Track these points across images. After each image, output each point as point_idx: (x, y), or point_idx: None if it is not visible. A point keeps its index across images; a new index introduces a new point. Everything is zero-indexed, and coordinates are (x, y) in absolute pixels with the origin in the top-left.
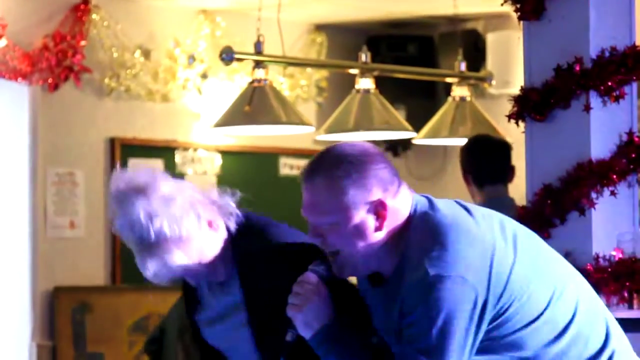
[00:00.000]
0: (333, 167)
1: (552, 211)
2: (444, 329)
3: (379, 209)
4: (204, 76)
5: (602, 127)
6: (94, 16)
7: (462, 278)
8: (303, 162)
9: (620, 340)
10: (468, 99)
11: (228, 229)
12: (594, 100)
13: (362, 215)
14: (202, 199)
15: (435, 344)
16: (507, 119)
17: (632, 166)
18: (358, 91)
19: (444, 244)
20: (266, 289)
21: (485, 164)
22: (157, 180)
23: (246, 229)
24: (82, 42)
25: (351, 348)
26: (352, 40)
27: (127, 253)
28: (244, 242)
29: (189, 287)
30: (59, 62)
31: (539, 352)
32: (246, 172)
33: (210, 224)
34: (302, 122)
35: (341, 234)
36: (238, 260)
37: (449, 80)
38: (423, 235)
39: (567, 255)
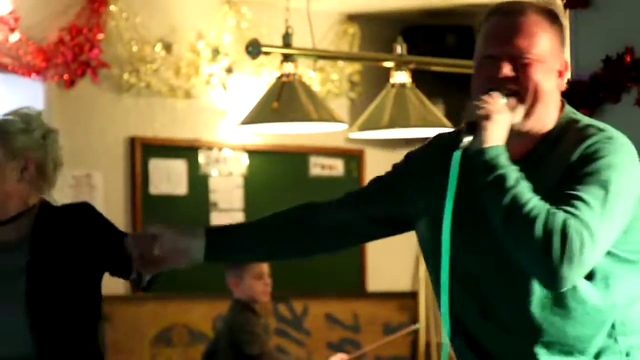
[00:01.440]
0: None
1: None
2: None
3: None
4: (229, 71)
5: None
6: (111, 8)
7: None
8: (335, 162)
9: None
10: None
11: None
12: None
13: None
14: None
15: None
16: None
17: None
18: (393, 85)
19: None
20: (56, 252)
21: None
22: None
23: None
24: (100, 36)
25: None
26: (387, 31)
27: None
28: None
29: None
30: (75, 57)
31: None
32: (274, 172)
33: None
34: (333, 119)
35: (542, 69)
36: (37, 215)
37: None
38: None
39: None
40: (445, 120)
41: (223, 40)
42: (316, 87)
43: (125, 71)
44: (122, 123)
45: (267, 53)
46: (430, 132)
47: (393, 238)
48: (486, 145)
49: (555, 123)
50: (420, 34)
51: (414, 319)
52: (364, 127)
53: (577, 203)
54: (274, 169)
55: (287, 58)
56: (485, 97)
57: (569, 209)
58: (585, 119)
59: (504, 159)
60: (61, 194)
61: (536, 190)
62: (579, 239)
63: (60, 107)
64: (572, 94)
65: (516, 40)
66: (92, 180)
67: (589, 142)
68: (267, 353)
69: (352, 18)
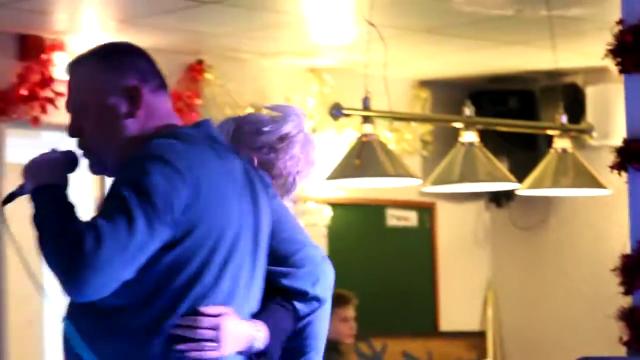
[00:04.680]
0: (93, 53)
1: None
2: None
3: (132, 94)
4: (313, 131)
5: None
6: (207, 75)
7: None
8: (409, 214)
9: None
10: (569, 150)
11: None
12: None
13: (114, 98)
14: None
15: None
16: (608, 169)
17: None
18: (462, 144)
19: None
20: None
21: None
22: None
23: None
24: (197, 101)
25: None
26: (455, 95)
27: None
28: None
29: None
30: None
31: None
32: (355, 223)
33: None
34: (408, 175)
35: (91, 115)
36: None
37: (550, 132)
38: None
39: None
40: (510, 175)
41: (307, 104)
42: (392, 146)
43: None
44: None
45: (348, 115)
46: (497, 187)
47: (463, 283)
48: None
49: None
50: (485, 97)
51: (483, 356)
52: (436, 182)
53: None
54: (355, 220)
55: (366, 120)
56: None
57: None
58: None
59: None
60: None
61: None
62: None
63: None
64: (628, 151)
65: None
66: None
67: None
68: None
69: (424, 84)
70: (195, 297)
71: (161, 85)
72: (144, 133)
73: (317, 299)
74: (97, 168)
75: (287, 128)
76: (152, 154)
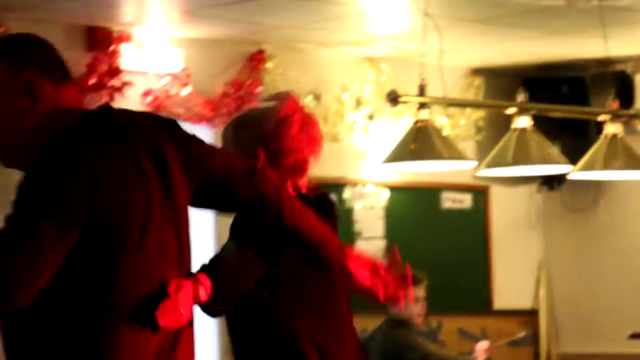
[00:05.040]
0: None
1: None
2: None
3: (32, 88)
4: (370, 118)
5: None
6: (268, 64)
7: None
8: (463, 196)
9: None
10: (620, 135)
11: None
12: None
13: (14, 93)
14: None
15: None
16: None
17: None
18: (515, 129)
19: None
20: None
21: None
22: None
23: None
24: (258, 89)
25: None
26: (507, 82)
27: None
28: None
29: None
30: (238, 108)
31: None
32: (411, 205)
33: None
34: (463, 158)
35: None
36: None
37: (601, 118)
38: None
39: None
40: (562, 159)
41: (364, 92)
42: (446, 132)
43: None
44: None
45: (404, 102)
46: (549, 170)
47: (516, 263)
48: None
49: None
50: (537, 85)
51: (536, 334)
52: (490, 165)
53: None
54: (411, 202)
55: (422, 106)
56: None
57: None
58: None
59: None
60: (225, 227)
61: None
62: None
63: None
64: None
65: None
66: None
67: None
68: (430, 353)
69: (478, 71)
70: (119, 283)
71: (65, 75)
72: (47, 126)
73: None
74: (5, 161)
75: (282, 112)
76: (49, 160)
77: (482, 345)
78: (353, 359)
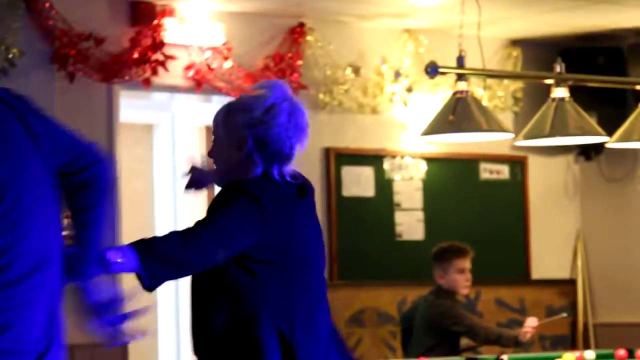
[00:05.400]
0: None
1: None
2: None
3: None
4: (409, 90)
5: None
6: (308, 38)
7: None
8: (501, 167)
9: None
10: None
11: None
12: None
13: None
14: None
15: None
16: None
17: None
18: (553, 100)
19: None
20: None
21: None
22: None
23: None
24: (299, 62)
25: None
26: (544, 53)
27: (343, 253)
28: None
29: None
30: None
31: None
32: (449, 177)
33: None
34: (501, 129)
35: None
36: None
37: (638, 88)
38: None
39: None
40: (599, 129)
41: (403, 64)
42: (484, 103)
43: (320, 92)
44: (318, 136)
45: (443, 73)
46: (586, 140)
47: (554, 233)
48: None
49: None
50: (574, 55)
51: (574, 303)
52: (528, 136)
53: None
54: (449, 173)
55: (460, 77)
56: None
57: None
58: None
59: None
60: None
61: None
62: None
63: None
64: None
65: None
66: None
67: None
68: (475, 326)
69: (515, 43)
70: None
71: None
72: None
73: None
74: None
75: (271, 99)
76: None
77: (532, 322)
78: (323, 348)
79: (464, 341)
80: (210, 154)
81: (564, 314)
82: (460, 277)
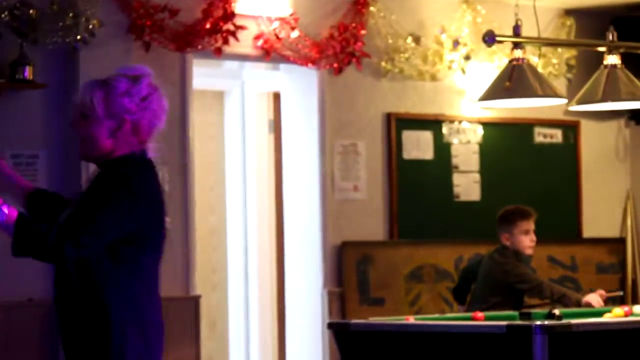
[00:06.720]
0: None
1: None
2: None
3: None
4: (467, 58)
5: None
6: (371, 8)
7: None
8: (555, 132)
9: None
10: None
11: None
12: None
13: None
14: None
15: None
16: None
17: None
18: (605, 67)
19: None
20: None
21: None
22: None
23: None
24: (362, 31)
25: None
26: (597, 22)
27: (403, 213)
28: None
29: None
30: (342, 49)
31: None
32: (504, 141)
33: None
34: (555, 95)
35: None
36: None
37: None
38: None
39: None
40: None
41: (462, 33)
42: (539, 70)
43: (382, 60)
44: (380, 102)
45: (500, 42)
46: (637, 105)
47: (604, 194)
48: None
49: None
50: (626, 24)
51: (623, 260)
52: (581, 101)
53: None
54: (504, 137)
55: (516, 45)
56: None
57: None
58: None
59: None
60: (331, 160)
61: None
62: None
63: (331, 90)
64: None
65: None
66: (357, 148)
67: None
68: (541, 283)
69: (569, 12)
70: None
71: None
72: None
73: None
74: None
75: (145, 89)
76: None
77: (594, 298)
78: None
79: (528, 300)
80: (78, 127)
81: (620, 292)
82: (525, 238)
